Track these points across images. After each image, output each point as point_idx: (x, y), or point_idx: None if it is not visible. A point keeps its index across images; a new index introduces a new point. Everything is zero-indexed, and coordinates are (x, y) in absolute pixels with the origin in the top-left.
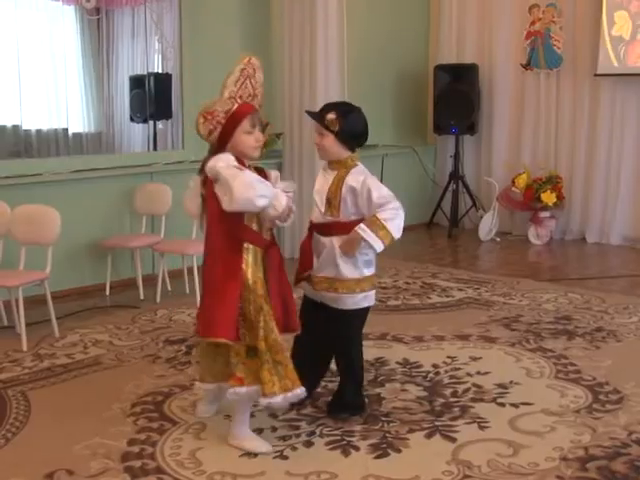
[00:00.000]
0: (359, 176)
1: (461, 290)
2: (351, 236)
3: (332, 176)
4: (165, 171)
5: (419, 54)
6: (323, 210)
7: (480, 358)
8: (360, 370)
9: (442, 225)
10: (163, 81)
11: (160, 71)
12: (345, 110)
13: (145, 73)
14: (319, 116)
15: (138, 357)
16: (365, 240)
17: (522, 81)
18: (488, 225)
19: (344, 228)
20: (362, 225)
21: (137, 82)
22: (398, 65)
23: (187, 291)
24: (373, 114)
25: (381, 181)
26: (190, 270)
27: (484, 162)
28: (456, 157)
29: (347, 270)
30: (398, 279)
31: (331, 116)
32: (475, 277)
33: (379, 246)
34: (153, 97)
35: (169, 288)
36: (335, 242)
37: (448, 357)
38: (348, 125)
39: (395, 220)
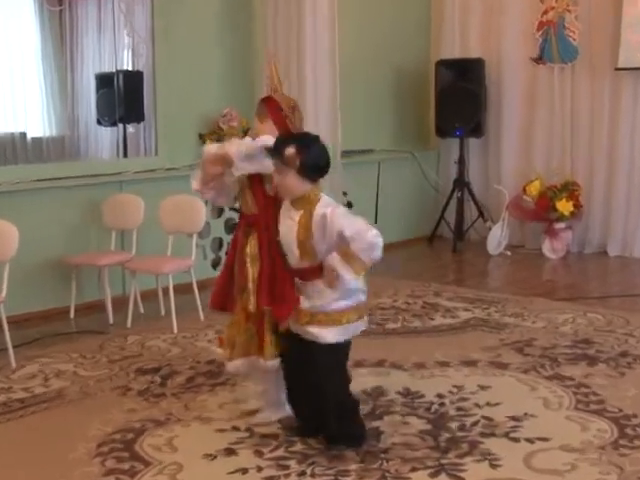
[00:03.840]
0: (324, 210)
1: (467, 311)
2: (326, 271)
3: (297, 217)
4: (136, 180)
5: (419, 48)
6: (298, 258)
7: (490, 387)
8: (348, 397)
9: (446, 238)
10: (134, 80)
11: (130, 68)
12: (305, 142)
13: (113, 71)
14: (276, 152)
15: (106, 389)
16: (337, 273)
17: (534, 76)
18: (497, 238)
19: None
20: (334, 254)
21: (105, 81)
22: (395, 61)
23: (162, 314)
24: (368, 116)
25: (377, 190)
26: (165, 291)
27: (492, 168)
28: (461, 162)
29: (331, 301)
30: (397, 299)
31: (290, 151)
32: (483, 296)
33: (352, 277)
34: (122, 97)
35: (141, 311)
36: (318, 284)
37: (454, 386)
38: (310, 158)
39: (371, 249)
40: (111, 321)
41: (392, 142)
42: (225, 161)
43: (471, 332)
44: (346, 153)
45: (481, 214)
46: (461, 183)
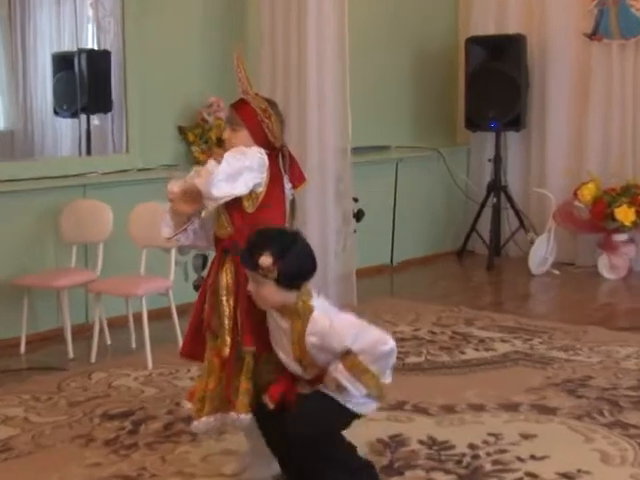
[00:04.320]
0: (321, 327)
1: (506, 342)
2: (327, 379)
3: (287, 328)
4: (103, 183)
5: (445, 23)
6: (300, 372)
7: (535, 436)
8: (346, 449)
9: (479, 253)
10: (99, 61)
11: (95, 47)
12: (281, 247)
13: (74, 50)
14: (249, 262)
15: (65, 439)
16: (343, 386)
17: (587, 56)
18: (542, 253)
19: None
20: (340, 366)
21: (63, 62)
22: (417, 40)
23: (133, 345)
24: (383, 106)
25: (395, 196)
26: (138, 318)
27: (535, 168)
28: (496, 161)
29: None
30: (420, 327)
31: (266, 260)
32: (525, 324)
33: (359, 392)
34: (86, 83)
35: (108, 342)
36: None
37: (490, 435)
38: (290, 266)
39: (385, 359)
40: (71, 355)
41: (412, 137)
42: (195, 196)
43: (511, 368)
44: (357, 151)
45: (522, 224)
46: (497, 186)
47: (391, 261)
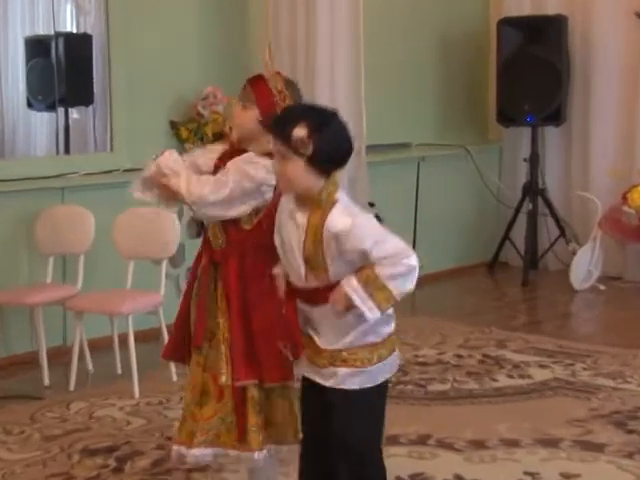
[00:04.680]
0: (342, 223)
1: (545, 367)
2: (335, 292)
3: (303, 222)
4: (84, 186)
5: (474, 4)
6: (303, 275)
7: (578, 476)
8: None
9: (513, 266)
10: (79, 46)
11: (74, 31)
12: (320, 120)
13: (50, 33)
14: (281, 133)
15: (39, 478)
16: (353, 304)
17: (638, 39)
18: (585, 265)
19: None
20: (353, 281)
21: (38, 48)
22: (441, 23)
23: (118, 371)
24: (403, 98)
25: (416, 200)
26: (123, 339)
27: (577, 168)
28: (533, 161)
29: (357, 336)
30: (445, 350)
31: (300, 132)
32: (566, 347)
33: (372, 313)
34: (63, 71)
35: (90, 368)
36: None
37: (526, 474)
38: (326, 143)
39: (405, 278)
40: (47, 382)
41: (436, 133)
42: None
43: (550, 398)
44: (373, 149)
45: (562, 233)
46: (534, 189)
47: None
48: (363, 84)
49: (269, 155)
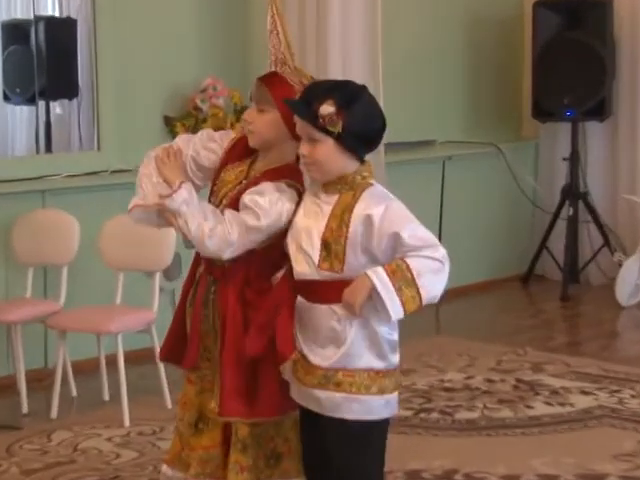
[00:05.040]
0: (377, 204)
1: (587, 394)
2: (357, 282)
3: (330, 205)
4: (67, 189)
5: None
6: (316, 260)
7: None
8: None
9: (550, 279)
10: (62, 32)
11: (56, 14)
12: (349, 96)
13: (30, 18)
14: (307, 111)
15: None
16: (377, 295)
17: None
18: (633, 278)
19: None
20: (379, 270)
21: (15, 34)
22: (470, 6)
23: (106, 397)
24: (427, 92)
25: (441, 204)
26: (112, 361)
27: (624, 168)
28: (574, 160)
29: (358, 352)
30: (474, 374)
31: (328, 109)
32: (612, 371)
33: (396, 312)
34: (44, 59)
35: (74, 393)
36: (337, 311)
37: None
38: (356, 119)
39: (435, 276)
40: (26, 410)
41: (464, 129)
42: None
43: (594, 429)
44: (392, 147)
45: (607, 242)
46: (574, 192)
47: None
48: (381, 75)
49: (292, 169)
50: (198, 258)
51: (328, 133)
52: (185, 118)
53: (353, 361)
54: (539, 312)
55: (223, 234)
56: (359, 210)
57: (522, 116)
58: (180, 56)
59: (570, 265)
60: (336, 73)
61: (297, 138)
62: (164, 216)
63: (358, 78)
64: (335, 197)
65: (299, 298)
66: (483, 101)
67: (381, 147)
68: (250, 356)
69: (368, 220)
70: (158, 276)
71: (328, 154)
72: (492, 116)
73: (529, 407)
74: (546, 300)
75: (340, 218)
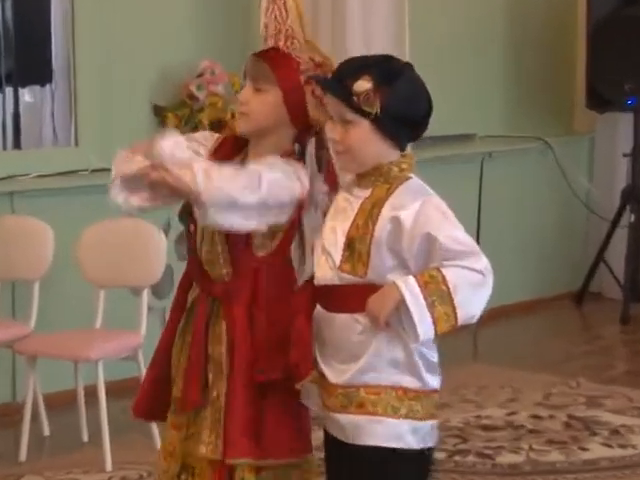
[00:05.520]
0: (411, 200)
1: None
2: (383, 291)
3: (360, 197)
4: (40, 191)
5: None
6: (338, 261)
7: None
8: None
9: (608, 297)
10: (33, 7)
11: None
12: (390, 71)
13: None
14: (340, 87)
15: None
16: (405, 309)
17: None
18: None
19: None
20: (410, 280)
21: None
22: None
23: (84, 436)
24: (464, 80)
25: (479, 207)
26: (91, 393)
27: None
28: (636, 157)
29: (384, 365)
30: (518, 410)
31: (364, 85)
32: None
33: (425, 331)
34: (12, 39)
35: (46, 432)
36: (360, 320)
37: None
38: (396, 99)
39: (475, 292)
40: None
41: (506, 122)
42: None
43: None
44: (423, 142)
45: None
46: (636, 195)
47: None
48: (407, 58)
49: (290, 155)
50: (187, 280)
51: (364, 114)
52: (178, 108)
53: (378, 376)
54: (595, 337)
55: (232, 175)
56: (390, 206)
57: (574, 106)
58: (172, 36)
59: (632, 281)
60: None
61: (297, 124)
62: (151, 181)
63: None
64: (368, 191)
65: (318, 308)
66: (529, 89)
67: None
68: (263, 382)
69: (398, 218)
70: (146, 293)
71: (363, 139)
72: (539, 106)
73: (583, 449)
74: (603, 322)
75: (368, 214)
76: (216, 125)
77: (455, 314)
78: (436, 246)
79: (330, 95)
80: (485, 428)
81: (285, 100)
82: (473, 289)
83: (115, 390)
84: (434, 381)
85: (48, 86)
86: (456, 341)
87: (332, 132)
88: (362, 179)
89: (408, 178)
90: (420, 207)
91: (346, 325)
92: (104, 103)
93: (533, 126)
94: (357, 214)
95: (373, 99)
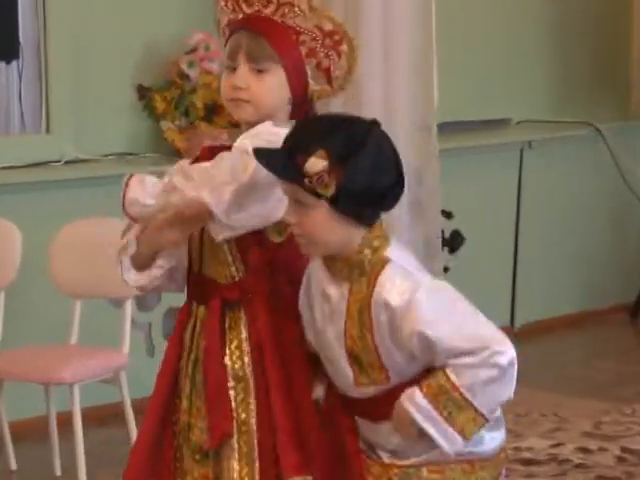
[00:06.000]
0: (398, 292)
1: None
2: (397, 414)
3: (341, 301)
4: (5, 186)
5: None
6: (351, 379)
7: None
8: None
9: None
10: None
11: None
12: (349, 142)
13: None
14: (287, 167)
15: None
16: (419, 428)
17: None
18: None
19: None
20: (417, 396)
21: None
22: None
23: (57, 471)
24: (498, 56)
25: (517, 207)
26: (65, 421)
27: None
28: None
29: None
30: (563, 441)
31: (317, 165)
32: None
33: (452, 443)
34: None
35: (13, 466)
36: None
37: None
38: (358, 177)
39: (495, 387)
40: None
41: (550, 106)
42: (194, 219)
43: None
44: (450, 128)
45: None
46: None
47: (511, 322)
48: (434, 36)
49: None
50: (186, 314)
51: (319, 196)
52: (166, 89)
53: (440, 455)
54: None
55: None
56: (377, 303)
57: (630, 87)
58: (158, 3)
59: None
60: (372, 34)
61: (298, 99)
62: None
63: (404, 39)
64: (345, 287)
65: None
66: (575, 67)
67: (434, 129)
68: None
69: (388, 311)
70: (129, 305)
71: (322, 223)
72: (587, 88)
73: None
74: None
75: (359, 322)
76: (210, 109)
77: (482, 415)
78: (435, 346)
79: (275, 175)
80: (525, 462)
81: (289, 79)
82: (492, 386)
83: (93, 418)
84: (500, 437)
85: (14, 63)
86: None
87: (288, 214)
88: (333, 268)
89: (386, 262)
90: (408, 301)
91: (388, 431)
92: (80, 83)
93: (581, 110)
94: (347, 322)
95: (327, 181)
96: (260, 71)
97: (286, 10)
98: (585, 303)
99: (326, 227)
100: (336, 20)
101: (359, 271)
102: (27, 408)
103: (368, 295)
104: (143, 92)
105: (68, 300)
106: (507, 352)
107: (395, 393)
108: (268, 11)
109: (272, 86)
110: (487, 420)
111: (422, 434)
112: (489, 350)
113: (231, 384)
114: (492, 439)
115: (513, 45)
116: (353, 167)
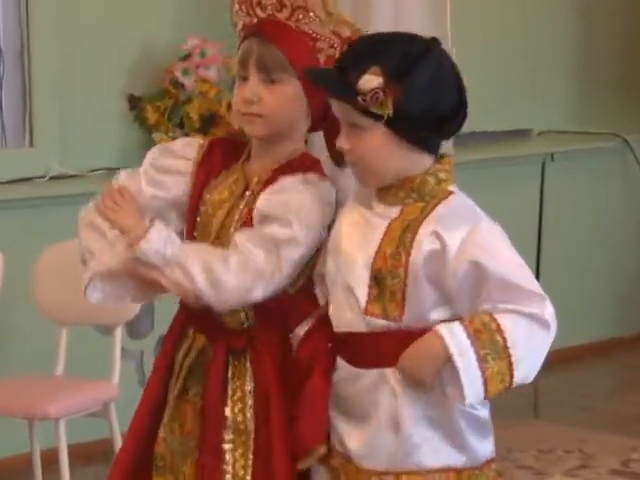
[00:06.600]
0: (456, 224)
1: None
2: (421, 345)
3: (386, 220)
4: None
5: None
6: (363, 301)
7: None
8: None
9: None
10: None
11: None
12: (405, 58)
13: None
14: (341, 84)
15: None
16: (451, 362)
17: None
18: None
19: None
20: (456, 327)
21: None
22: None
23: None
24: (519, 63)
25: (539, 220)
26: (50, 459)
27: None
28: None
29: (427, 441)
30: (591, 478)
31: (372, 81)
32: None
33: (474, 393)
34: None
35: None
36: (390, 377)
37: None
38: (417, 95)
39: (536, 346)
40: None
41: (573, 115)
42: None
43: None
44: (467, 139)
45: None
46: None
47: None
48: (450, 37)
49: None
50: (178, 331)
51: (375, 117)
52: (159, 98)
53: (422, 456)
54: None
55: (244, 262)
56: (428, 229)
57: None
58: (152, 8)
59: None
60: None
61: (317, 112)
62: (141, 277)
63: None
64: (396, 209)
65: (339, 361)
66: (601, 74)
67: (449, 141)
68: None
69: (439, 243)
70: (119, 333)
71: (378, 147)
72: (615, 95)
73: None
74: None
75: (399, 240)
76: (207, 120)
77: (511, 373)
78: (487, 280)
79: (330, 94)
80: None
81: (306, 90)
82: (534, 343)
83: (80, 455)
84: (485, 448)
85: None
86: (511, 392)
87: (340, 140)
88: (386, 194)
89: (449, 194)
90: (467, 235)
91: (376, 386)
92: (66, 93)
93: (606, 121)
94: (383, 240)
95: (383, 98)
96: (272, 82)
97: (300, 15)
98: (612, 330)
99: (383, 152)
100: (354, 26)
101: (417, 196)
102: (9, 445)
103: (420, 218)
104: (134, 102)
105: (53, 327)
106: (549, 305)
107: (399, 337)
108: (282, 16)
109: (286, 98)
110: (511, 384)
111: (430, 383)
112: (537, 298)
113: (230, 437)
114: (482, 446)
115: (534, 50)
116: (410, 85)
